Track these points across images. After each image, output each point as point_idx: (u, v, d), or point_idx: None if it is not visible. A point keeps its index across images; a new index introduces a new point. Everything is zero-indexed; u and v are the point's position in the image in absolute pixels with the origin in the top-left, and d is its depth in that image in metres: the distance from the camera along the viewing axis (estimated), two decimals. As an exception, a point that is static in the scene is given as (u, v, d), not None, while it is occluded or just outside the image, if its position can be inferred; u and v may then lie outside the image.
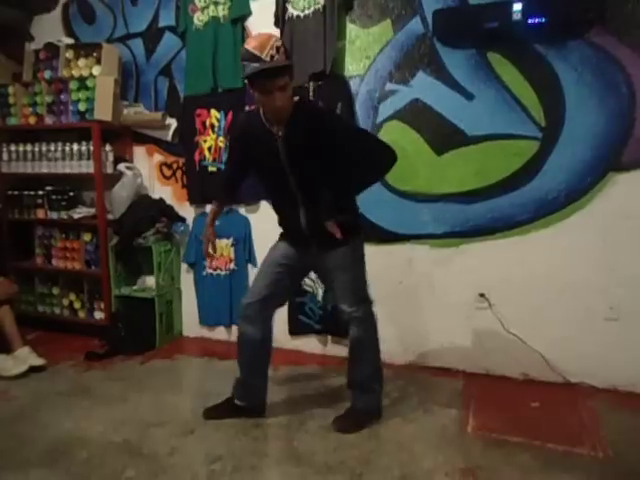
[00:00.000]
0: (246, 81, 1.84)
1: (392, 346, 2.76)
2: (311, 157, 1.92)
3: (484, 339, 2.60)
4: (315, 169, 1.94)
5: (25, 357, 2.71)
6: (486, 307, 2.58)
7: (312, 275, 2.83)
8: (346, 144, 1.92)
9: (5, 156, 3.32)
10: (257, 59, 1.71)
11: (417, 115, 2.61)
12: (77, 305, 3.32)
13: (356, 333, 2.09)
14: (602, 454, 1.89)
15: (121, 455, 1.94)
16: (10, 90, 3.29)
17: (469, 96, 2.51)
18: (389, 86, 2.66)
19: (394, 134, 2.65)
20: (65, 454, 1.95)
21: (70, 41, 3.26)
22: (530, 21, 2.27)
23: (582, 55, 2.33)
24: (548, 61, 2.38)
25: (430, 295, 2.69)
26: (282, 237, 2.16)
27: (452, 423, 2.14)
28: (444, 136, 2.57)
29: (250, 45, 1.75)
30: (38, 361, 2.72)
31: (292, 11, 2.73)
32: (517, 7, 2.27)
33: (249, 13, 2.88)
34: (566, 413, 2.22)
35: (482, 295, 2.59)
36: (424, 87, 2.58)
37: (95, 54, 3.11)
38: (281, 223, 2.15)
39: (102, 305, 3.19)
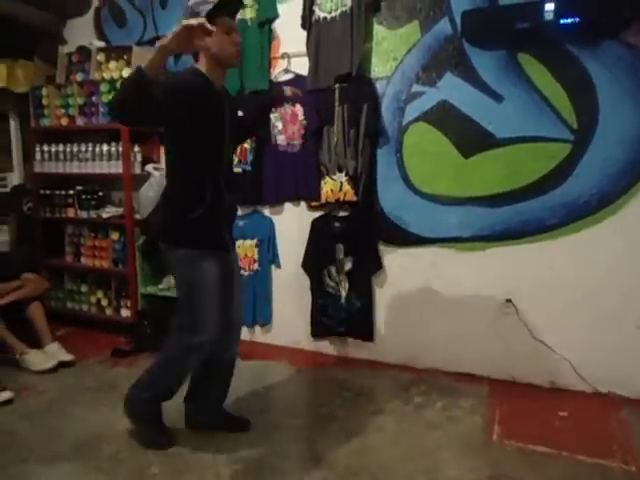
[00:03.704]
0: (194, 20, 1.53)
1: (415, 350, 2.75)
2: (234, 128, 1.90)
3: (510, 345, 2.55)
4: (234, 142, 1.94)
5: (54, 352, 2.79)
6: (513, 313, 2.53)
7: (335, 277, 2.84)
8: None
9: (38, 156, 3.42)
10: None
11: (444, 117, 2.58)
12: (104, 303, 3.39)
13: (236, 352, 2.09)
14: (634, 467, 1.83)
15: (145, 452, 1.96)
16: (44, 92, 3.38)
17: (498, 98, 2.47)
18: (416, 88, 2.63)
19: (420, 136, 2.63)
20: (92, 448, 1.99)
21: (101, 44, 3.34)
22: (562, 21, 2.22)
23: (616, 55, 2.26)
24: (581, 62, 2.32)
25: (455, 299, 2.65)
26: (198, 245, 1.81)
27: (477, 430, 2.10)
28: (472, 138, 2.53)
29: None
30: (67, 357, 2.79)
31: (319, 13, 2.73)
32: (549, 7, 2.21)
33: (276, 16, 2.89)
34: (596, 424, 2.16)
35: (509, 300, 2.54)
36: (452, 89, 2.55)
37: (125, 57, 3.17)
38: (206, 212, 1.78)
39: (128, 303, 3.25)
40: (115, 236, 3.29)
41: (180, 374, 1.97)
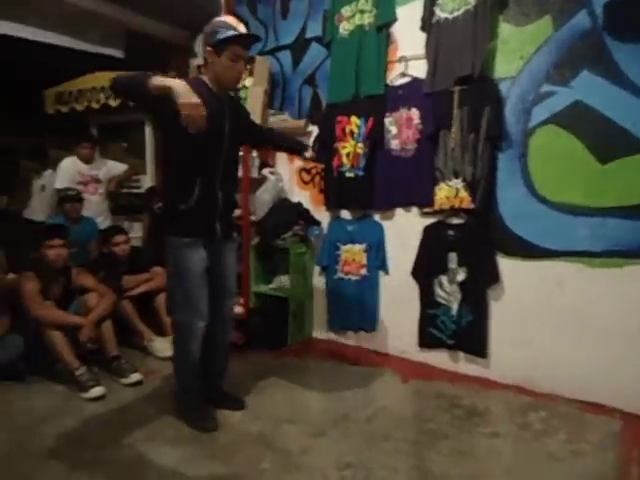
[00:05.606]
0: (209, 48, 1.98)
1: (533, 371, 2.54)
2: (241, 131, 2.14)
3: (650, 377, 2.25)
4: (239, 143, 2.19)
5: (176, 342, 3.01)
6: (655, 340, 2.23)
7: (447, 288, 2.72)
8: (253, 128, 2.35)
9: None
10: (234, 29, 1.95)
11: (578, 119, 2.35)
12: (220, 298, 3.60)
13: (229, 335, 2.35)
14: None
15: (257, 446, 2.04)
16: (175, 102, 3.69)
17: (646, 97, 2.19)
18: (545, 88, 2.43)
19: (549, 139, 2.43)
20: (209, 436, 2.11)
21: (227, 56, 3.55)
22: None
23: None
24: None
25: (583, 320, 2.39)
26: (186, 233, 2.04)
27: (608, 470, 1.87)
28: (611, 142, 2.27)
29: (226, 18, 2.01)
30: (187, 346, 3.00)
31: (440, 14, 2.64)
32: None
33: (395, 19, 2.86)
34: None
35: (650, 326, 2.24)
36: (588, 88, 2.32)
37: (248, 66, 3.34)
38: (195, 204, 2.01)
39: (241, 300, 3.41)
40: (232, 236, 3.48)
41: (185, 357, 2.18)
